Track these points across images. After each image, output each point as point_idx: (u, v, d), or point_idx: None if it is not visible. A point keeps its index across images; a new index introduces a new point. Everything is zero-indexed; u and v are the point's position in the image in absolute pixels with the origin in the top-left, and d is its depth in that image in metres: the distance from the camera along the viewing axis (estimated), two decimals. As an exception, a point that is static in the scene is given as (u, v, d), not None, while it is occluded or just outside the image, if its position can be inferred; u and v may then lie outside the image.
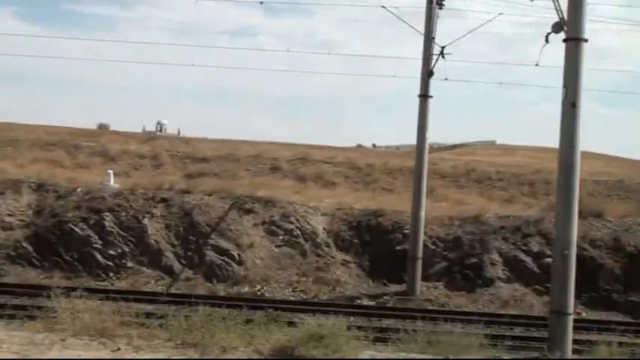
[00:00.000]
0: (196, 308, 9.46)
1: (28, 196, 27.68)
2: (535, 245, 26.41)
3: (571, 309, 14.39)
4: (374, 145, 79.52)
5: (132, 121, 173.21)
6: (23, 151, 37.33)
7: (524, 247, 26.40)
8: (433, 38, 23.92)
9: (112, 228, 26.14)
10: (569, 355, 13.48)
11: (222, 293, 24.01)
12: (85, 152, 38.93)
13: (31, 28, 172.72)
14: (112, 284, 24.57)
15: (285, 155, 41.68)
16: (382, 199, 31.88)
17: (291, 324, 8.23)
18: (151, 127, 77.37)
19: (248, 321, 9.27)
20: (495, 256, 26.12)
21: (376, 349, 8.32)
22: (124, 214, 26.62)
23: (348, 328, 8.04)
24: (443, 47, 23.52)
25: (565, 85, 14.07)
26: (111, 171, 29.83)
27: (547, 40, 15.52)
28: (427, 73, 24.09)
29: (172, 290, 24.27)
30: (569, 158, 14.21)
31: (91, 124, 67.42)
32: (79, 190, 27.86)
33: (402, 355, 7.86)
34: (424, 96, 24.64)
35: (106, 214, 26.43)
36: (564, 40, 14.34)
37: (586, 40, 14.15)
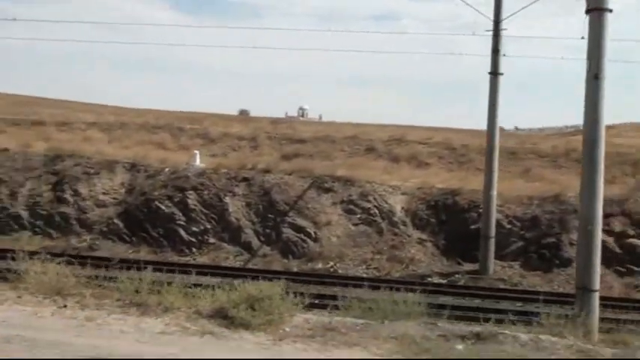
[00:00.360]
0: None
1: (122, 175, 29.50)
2: (617, 225, 25.59)
3: (597, 285, 14.01)
4: (516, 128, 76.95)
5: (276, 107, 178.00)
6: (131, 134, 39.52)
7: (605, 227, 25.03)
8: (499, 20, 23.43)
9: (195, 206, 27.45)
10: (596, 332, 13.22)
11: (295, 269, 24.81)
12: (187, 135, 40.64)
13: (185, 19, 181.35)
14: (194, 259, 25.92)
15: (381, 136, 41.87)
16: (474, 179, 31.43)
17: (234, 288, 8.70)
18: (293, 113, 79.60)
19: (196, 285, 9.90)
20: (575, 236, 25.22)
21: (312, 313, 8.70)
22: (206, 192, 27.87)
23: (287, 293, 8.43)
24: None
25: (589, 58, 13.65)
26: (197, 152, 31.12)
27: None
28: (494, 51, 23.68)
29: (250, 266, 25.32)
30: (593, 132, 13.78)
31: (234, 110, 70.84)
32: (166, 169, 29.37)
33: (338, 318, 8.20)
34: (494, 73, 24.24)
35: (190, 192, 27.78)
36: (587, 11, 13.90)
37: (610, 11, 13.57)
